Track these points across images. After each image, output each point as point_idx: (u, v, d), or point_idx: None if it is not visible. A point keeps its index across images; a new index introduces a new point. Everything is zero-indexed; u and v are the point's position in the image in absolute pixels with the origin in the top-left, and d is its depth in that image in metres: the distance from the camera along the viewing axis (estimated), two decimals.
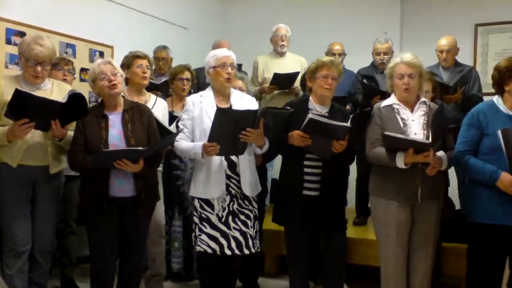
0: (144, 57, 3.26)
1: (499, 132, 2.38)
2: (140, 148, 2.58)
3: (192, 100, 2.93)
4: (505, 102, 2.57)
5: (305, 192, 2.89)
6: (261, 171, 3.40)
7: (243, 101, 2.94)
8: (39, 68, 2.66)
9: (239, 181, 2.83)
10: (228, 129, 2.64)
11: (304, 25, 5.31)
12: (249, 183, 2.85)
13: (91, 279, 2.75)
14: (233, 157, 2.83)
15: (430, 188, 2.70)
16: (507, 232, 2.49)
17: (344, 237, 3.06)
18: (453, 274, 3.42)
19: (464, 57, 4.37)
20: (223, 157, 2.81)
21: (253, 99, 3.09)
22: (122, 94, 2.82)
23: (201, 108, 2.86)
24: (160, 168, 3.36)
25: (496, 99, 2.61)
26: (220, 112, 2.62)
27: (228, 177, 2.82)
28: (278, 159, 3.95)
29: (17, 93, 2.38)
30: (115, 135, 2.66)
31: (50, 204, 2.81)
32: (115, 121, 2.70)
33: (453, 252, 3.37)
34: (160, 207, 3.29)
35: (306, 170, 2.89)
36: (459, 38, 4.15)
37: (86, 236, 3.63)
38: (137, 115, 2.76)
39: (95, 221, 2.69)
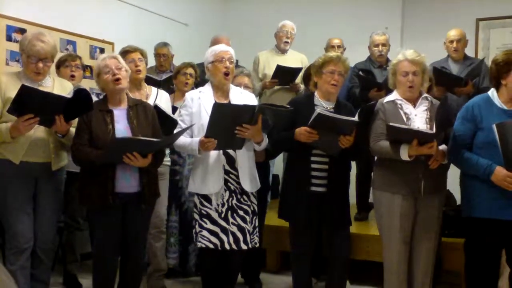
0: (134, 50, 3.20)
1: (494, 127, 2.36)
2: (156, 139, 2.57)
3: (191, 96, 2.92)
4: (501, 96, 2.56)
5: (312, 188, 2.89)
6: (264, 167, 3.41)
7: (242, 97, 2.94)
8: (40, 65, 2.65)
9: (238, 176, 2.83)
10: (226, 124, 2.63)
11: (304, 20, 5.29)
12: (248, 179, 2.85)
13: (94, 276, 2.75)
14: (231, 152, 2.83)
15: (433, 181, 2.70)
16: (502, 226, 2.49)
17: (348, 234, 3.06)
18: (454, 268, 3.42)
19: (466, 52, 4.35)
20: (221, 152, 2.81)
21: (253, 95, 3.08)
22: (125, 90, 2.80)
23: (200, 104, 2.86)
24: (168, 163, 3.36)
25: (491, 92, 2.60)
26: (217, 106, 2.61)
27: (227, 172, 2.82)
28: (279, 155, 3.96)
29: (24, 88, 2.37)
30: (122, 130, 2.65)
31: (52, 200, 2.81)
32: (120, 116, 2.69)
33: (454, 247, 3.37)
34: (163, 202, 3.29)
35: (313, 166, 2.89)
36: None
37: (88, 232, 3.66)
38: (141, 112, 2.75)
39: (98, 218, 2.69)
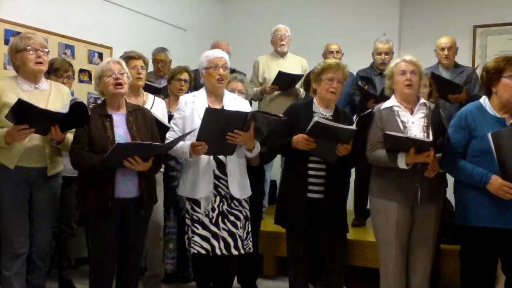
0: (139, 57, 3.23)
1: (489, 136, 2.35)
2: (157, 143, 2.58)
3: (185, 99, 2.93)
4: (492, 103, 2.55)
5: (309, 195, 2.88)
6: (259, 172, 3.40)
7: (236, 103, 2.94)
8: (40, 53, 2.68)
9: (228, 182, 2.83)
10: (217, 129, 2.64)
11: (303, 26, 5.31)
12: (237, 185, 2.84)
13: (90, 281, 2.74)
14: (222, 158, 2.83)
15: (430, 190, 2.69)
16: (498, 235, 2.48)
17: (345, 240, 3.07)
18: (451, 275, 3.42)
19: (463, 59, 4.37)
20: (211, 157, 2.81)
21: (247, 102, 3.08)
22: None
23: (193, 108, 2.86)
24: (161, 169, 3.36)
25: (483, 100, 2.59)
26: (208, 111, 2.62)
27: (217, 177, 2.82)
28: (277, 161, 3.97)
29: (20, 102, 2.37)
30: (122, 135, 2.65)
31: (48, 206, 2.80)
32: (119, 121, 2.69)
33: (452, 253, 3.37)
34: (159, 209, 3.29)
35: (310, 172, 2.89)
36: (457, 39, 4.16)
37: (85, 237, 3.65)
38: (140, 118, 2.76)
39: (96, 223, 2.67)
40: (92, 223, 2.72)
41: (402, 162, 2.59)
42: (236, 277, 3.48)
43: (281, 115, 2.83)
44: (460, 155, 2.57)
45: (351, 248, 3.51)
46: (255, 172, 3.23)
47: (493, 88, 2.52)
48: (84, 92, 4.29)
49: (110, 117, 2.67)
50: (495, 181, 2.41)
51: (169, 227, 3.65)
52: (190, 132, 2.75)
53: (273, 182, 4.79)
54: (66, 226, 3.46)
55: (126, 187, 2.63)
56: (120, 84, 2.66)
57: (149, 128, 2.76)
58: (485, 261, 2.53)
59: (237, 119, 2.65)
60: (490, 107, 2.55)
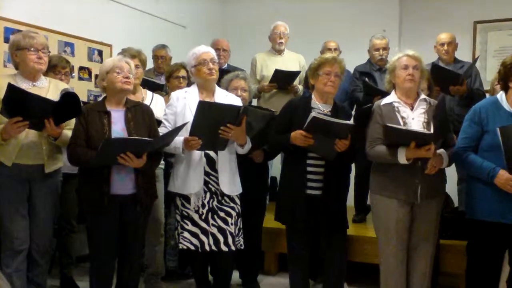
0: (134, 57, 3.24)
1: (498, 130, 2.37)
2: (148, 139, 2.59)
3: (177, 95, 2.93)
4: (508, 99, 2.55)
5: (308, 192, 2.88)
6: (262, 169, 3.40)
7: (227, 99, 2.94)
8: (41, 54, 2.70)
9: (218, 178, 2.83)
10: (210, 123, 2.64)
11: (302, 22, 5.31)
12: (228, 182, 2.85)
13: (91, 278, 2.75)
14: (212, 154, 2.83)
15: (430, 187, 2.69)
16: (506, 229, 2.49)
17: (345, 236, 3.07)
18: (451, 271, 3.42)
19: (463, 55, 4.37)
20: (202, 153, 2.81)
21: (238, 99, 3.07)
22: None
23: (185, 103, 2.86)
24: (161, 166, 3.37)
25: (500, 95, 2.59)
26: (202, 104, 2.62)
27: (207, 173, 2.83)
28: (277, 158, 3.96)
29: (10, 87, 2.39)
30: (119, 131, 2.66)
31: (47, 202, 2.81)
32: (117, 118, 2.70)
33: (452, 249, 3.38)
34: (160, 205, 3.29)
35: (309, 169, 2.89)
36: (458, 35, 4.16)
37: (85, 234, 3.66)
38: (139, 114, 2.76)
39: (94, 220, 2.69)
40: (91, 219, 2.73)
41: (402, 157, 2.58)
42: (238, 273, 3.49)
43: (273, 109, 2.83)
44: (471, 149, 2.58)
45: (352, 243, 3.51)
46: (258, 168, 3.23)
47: (510, 83, 2.53)
48: (84, 90, 4.29)
49: (108, 114, 2.68)
50: (502, 176, 2.42)
51: (170, 224, 3.65)
52: (182, 126, 2.71)
53: (273, 179, 4.79)
54: (66, 223, 3.47)
55: (122, 184, 2.64)
56: (129, 82, 2.69)
57: (147, 124, 2.76)
58: (492, 255, 2.54)
59: (230, 113, 2.66)
60: (506, 102, 2.55)
